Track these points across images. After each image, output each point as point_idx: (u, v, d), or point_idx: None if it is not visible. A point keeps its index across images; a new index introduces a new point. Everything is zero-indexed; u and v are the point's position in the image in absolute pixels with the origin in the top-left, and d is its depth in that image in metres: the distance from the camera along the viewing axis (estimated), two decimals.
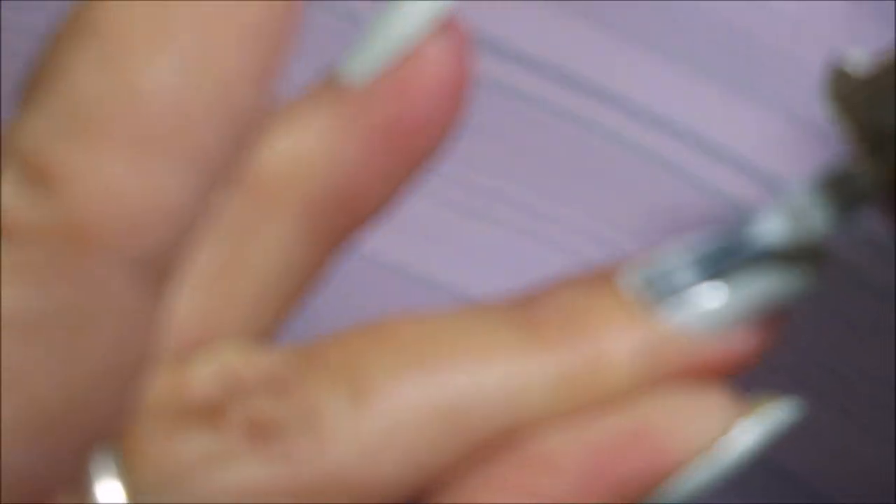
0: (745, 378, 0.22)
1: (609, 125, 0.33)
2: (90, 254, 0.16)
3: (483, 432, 0.20)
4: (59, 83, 0.16)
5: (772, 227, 0.22)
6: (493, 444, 0.20)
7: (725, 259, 0.21)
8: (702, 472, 0.20)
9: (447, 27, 0.21)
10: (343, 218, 0.21)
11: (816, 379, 0.32)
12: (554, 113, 0.33)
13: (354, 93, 0.21)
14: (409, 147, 0.21)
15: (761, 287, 0.21)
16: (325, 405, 0.19)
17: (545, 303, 0.21)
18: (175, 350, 0.21)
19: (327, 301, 0.21)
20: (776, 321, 0.22)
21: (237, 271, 0.21)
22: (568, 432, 0.20)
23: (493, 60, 0.34)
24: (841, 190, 0.22)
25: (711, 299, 0.21)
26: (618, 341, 0.21)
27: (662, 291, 0.21)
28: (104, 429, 0.17)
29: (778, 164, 0.33)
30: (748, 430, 0.21)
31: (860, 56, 0.22)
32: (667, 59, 0.34)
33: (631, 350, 0.21)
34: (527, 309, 0.21)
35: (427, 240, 0.32)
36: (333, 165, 0.21)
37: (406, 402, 0.19)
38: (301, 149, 0.21)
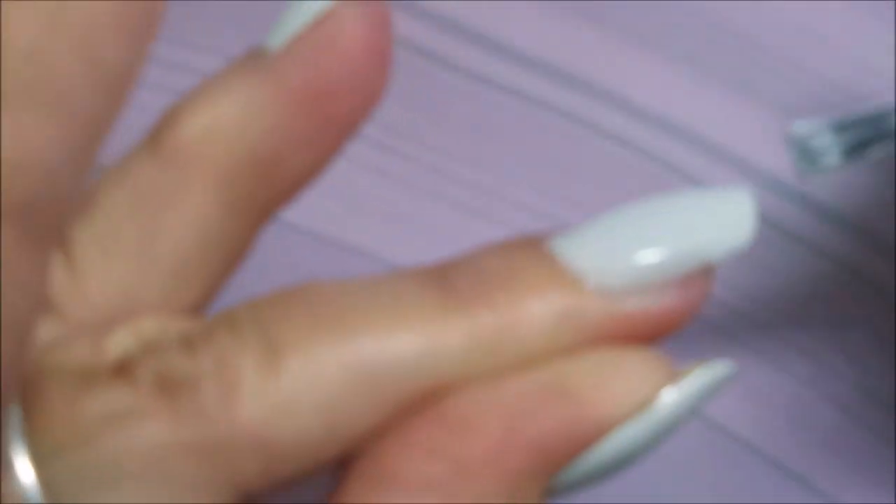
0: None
1: (609, 125, 0.33)
2: None
3: (399, 395, 0.19)
4: None
5: None
6: (411, 407, 0.19)
7: (863, 132, 0.21)
8: (629, 433, 0.20)
9: None
10: (264, 187, 0.21)
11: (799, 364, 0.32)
12: (554, 113, 0.33)
13: (270, 59, 0.21)
14: (326, 112, 0.21)
15: (694, 242, 0.20)
16: (236, 361, 0.19)
17: (466, 266, 0.20)
18: (94, 321, 0.20)
19: (270, 281, 0.21)
20: (703, 278, 0.21)
21: (157, 242, 0.21)
22: (483, 393, 0.20)
23: (494, 60, 0.34)
24: None
25: (643, 256, 0.20)
26: (539, 303, 0.20)
27: (804, 152, 0.20)
28: None
29: (778, 163, 0.33)
30: (678, 388, 0.20)
31: None
32: (667, 59, 0.34)
33: (553, 312, 0.20)
34: (446, 272, 0.20)
35: (426, 239, 0.32)
36: (250, 132, 0.21)
37: (318, 363, 0.19)
38: (219, 117, 0.21)
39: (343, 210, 0.32)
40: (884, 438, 0.31)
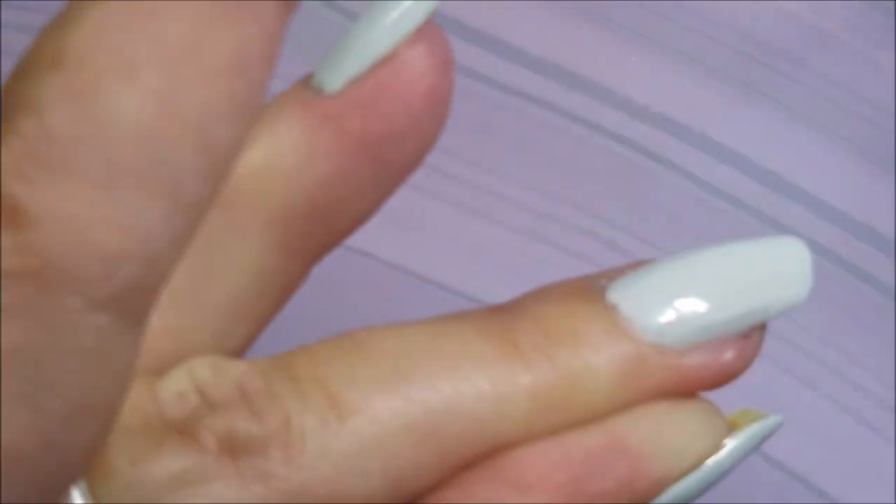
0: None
1: (610, 124, 0.33)
2: (60, 294, 0.15)
3: (460, 448, 0.19)
4: (25, 119, 0.15)
5: None
6: (472, 460, 0.19)
7: None
8: (685, 486, 0.20)
9: (428, 35, 0.20)
10: (317, 230, 0.21)
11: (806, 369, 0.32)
12: (554, 112, 0.33)
13: (330, 101, 0.20)
14: (384, 158, 0.20)
15: (757, 300, 0.20)
16: (299, 420, 0.19)
17: (524, 313, 0.20)
18: (145, 366, 0.20)
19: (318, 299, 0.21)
20: (758, 331, 0.21)
21: (208, 285, 0.20)
22: (543, 448, 0.19)
23: (494, 59, 0.34)
24: None
25: (706, 314, 0.20)
26: (598, 355, 0.20)
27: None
28: (76, 470, 0.17)
29: (778, 163, 0.33)
30: (730, 445, 0.20)
31: None
32: (667, 59, 0.34)
33: (614, 369, 0.20)
34: (505, 319, 0.20)
35: (427, 239, 0.32)
36: (306, 176, 0.20)
37: (382, 420, 0.19)
38: (273, 158, 0.20)
39: (402, 233, 0.32)
40: (884, 438, 0.31)
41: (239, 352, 0.21)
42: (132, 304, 0.16)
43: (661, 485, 0.20)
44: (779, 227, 0.32)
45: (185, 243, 0.16)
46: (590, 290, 0.21)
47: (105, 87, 0.15)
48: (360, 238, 0.33)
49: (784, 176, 0.33)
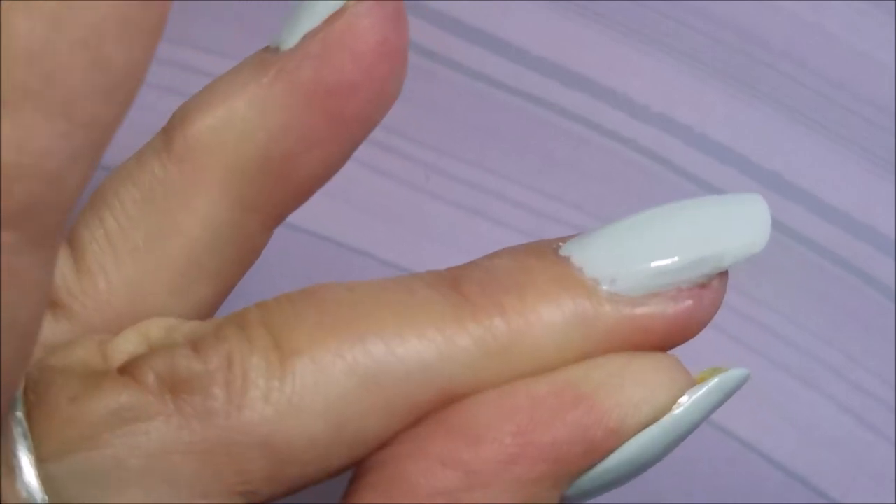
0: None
1: (610, 124, 0.33)
2: None
3: (409, 402, 0.19)
4: None
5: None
6: (422, 414, 0.19)
7: None
8: (646, 440, 0.19)
9: None
10: (276, 185, 0.21)
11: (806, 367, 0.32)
12: (554, 111, 0.33)
13: (282, 56, 0.21)
14: (338, 110, 0.21)
15: (707, 247, 0.20)
16: (244, 363, 0.19)
17: (477, 270, 0.20)
18: (104, 321, 0.20)
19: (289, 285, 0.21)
20: (718, 281, 0.20)
21: (165, 239, 0.21)
22: (492, 398, 0.19)
23: (495, 59, 0.34)
24: None
25: (656, 261, 0.20)
26: (551, 308, 0.19)
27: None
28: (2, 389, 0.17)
29: (778, 163, 0.33)
30: (695, 394, 0.19)
31: None
32: (668, 58, 0.34)
33: (565, 317, 0.19)
34: (455, 272, 0.20)
35: (426, 239, 0.32)
36: (262, 130, 0.21)
37: (325, 366, 0.19)
38: (231, 114, 0.21)
39: (342, 210, 0.32)
40: (884, 438, 0.31)
41: (199, 318, 0.21)
42: (36, 222, 0.16)
43: (619, 436, 0.19)
44: (779, 227, 0.32)
45: (90, 163, 0.16)
46: (543, 246, 0.21)
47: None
48: (360, 238, 0.33)
49: (784, 176, 0.33)
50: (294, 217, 0.30)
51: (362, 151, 0.33)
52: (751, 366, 0.31)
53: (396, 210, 0.32)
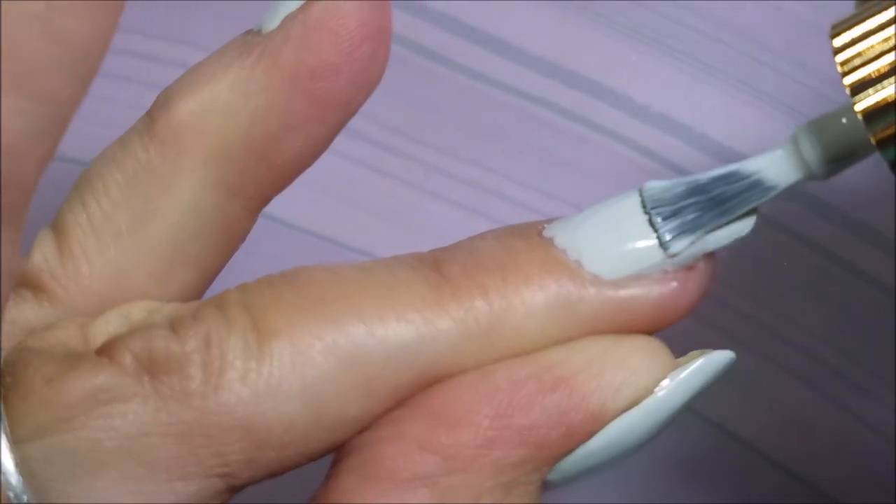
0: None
1: (610, 123, 0.33)
2: None
3: (388, 384, 0.19)
4: None
5: (766, 165, 0.21)
6: (403, 397, 0.19)
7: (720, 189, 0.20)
8: (627, 424, 0.19)
9: None
10: (258, 168, 0.21)
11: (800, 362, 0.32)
12: (554, 111, 0.33)
13: (263, 39, 0.21)
14: (319, 91, 0.21)
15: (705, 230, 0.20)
16: (222, 343, 0.18)
17: (459, 252, 0.20)
18: (86, 305, 0.20)
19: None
20: (705, 263, 0.20)
21: (148, 222, 0.21)
22: (471, 380, 0.19)
23: (494, 59, 0.34)
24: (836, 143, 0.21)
25: (640, 243, 0.20)
26: (529, 283, 0.19)
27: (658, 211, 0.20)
28: None
29: None
30: (678, 378, 0.19)
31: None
32: (668, 57, 0.34)
33: (547, 299, 0.19)
34: (437, 254, 0.20)
35: (426, 239, 0.32)
36: (244, 112, 0.21)
37: (304, 347, 0.19)
38: (213, 97, 0.21)
39: (343, 210, 0.32)
40: (884, 438, 0.31)
41: (183, 300, 0.21)
42: None
43: (599, 419, 0.19)
44: (779, 227, 0.32)
45: (51, 140, 0.16)
46: (527, 228, 0.20)
47: None
48: (360, 238, 0.33)
49: None
50: (293, 216, 0.30)
51: (363, 151, 0.33)
52: (751, 366, 0.31)
53: (396, 210, 0.32)
